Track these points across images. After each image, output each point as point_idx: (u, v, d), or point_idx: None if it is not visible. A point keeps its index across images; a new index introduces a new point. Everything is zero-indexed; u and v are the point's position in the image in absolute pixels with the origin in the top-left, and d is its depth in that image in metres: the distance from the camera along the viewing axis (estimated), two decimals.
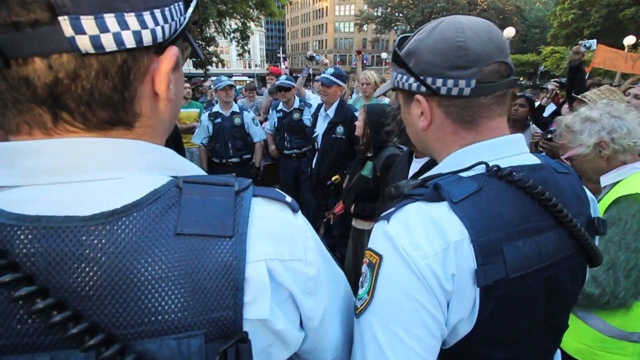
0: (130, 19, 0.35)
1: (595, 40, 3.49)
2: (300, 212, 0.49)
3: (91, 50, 0.33)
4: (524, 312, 0.60)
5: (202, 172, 0.47)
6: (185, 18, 0.42)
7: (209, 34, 18.27)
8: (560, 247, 0.61)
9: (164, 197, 0.38)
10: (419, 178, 0.66)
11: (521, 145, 0.66)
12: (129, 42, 0.35)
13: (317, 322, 0.49)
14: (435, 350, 0.57)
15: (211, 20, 15.07)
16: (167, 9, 0.39)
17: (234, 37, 17.96)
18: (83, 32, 0.33)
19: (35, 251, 0.33)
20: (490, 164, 0.60)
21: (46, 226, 0.34)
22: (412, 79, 0.66)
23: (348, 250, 2.56)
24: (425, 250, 0.54)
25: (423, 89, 0.65)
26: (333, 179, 2.91)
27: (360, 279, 0.62)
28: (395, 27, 45.59)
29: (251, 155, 3.83)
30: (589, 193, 0.72)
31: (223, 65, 23.32)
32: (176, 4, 0.41)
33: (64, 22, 0.32)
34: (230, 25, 17.08)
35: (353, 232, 2.49)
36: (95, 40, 0.33)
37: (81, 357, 0.34)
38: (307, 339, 0.50)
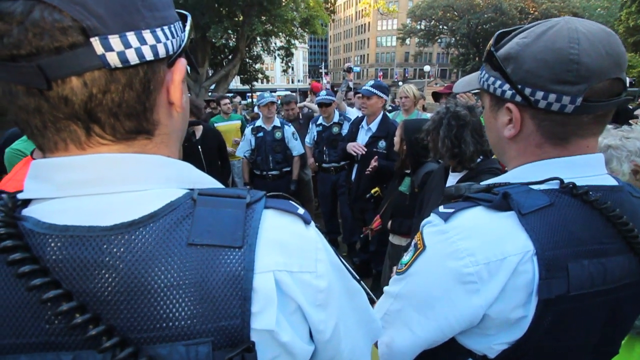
0: (147, 35, 0.39)
1: None
2: (312, 224, 0.48)
3: (119, 64, 0.37)
4: (579, 331, 0.58)
5: (219, 185, 0.48)
6: (185, 35, 0.46)
7: (255, 52, 19.24)
8: (628, 273, 0.58)
9: (179, 209, 0.40)
10: (483, 183, 0.64)
11: (600, 166, 0.62)
12: (148, 55, 0.39)
13: (329, 336, 0.47)
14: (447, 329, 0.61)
15: (258, 39, 15.85)
16: (172, 25, 0.43)
17: (278, 54, 18.73)
18: (111, 50, 0.36)
19: (63, 258, 0.36)
20: (566, 182, 0.57)
21: (73, 235, 0.37)
22: (507, 86, 0.60)
23: (385, 266, 2.48)
24: (478, 258, 0.55)
25: (518, 98, 0.59)
26: (373, 191, 2.85)
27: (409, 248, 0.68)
28: (439, 40, 44.79)
29: (291, 169, 3.91)
30: None
31: (267, 81, 24.30)
32: (177, 23, 0.45)
33: (95, 42, 0.36)
34: (275, 44, 17.87)
35: (390, 248, 2.41)
36: (121, 56, 0.37)
37: (99, 357, 0.35)
38: (319, 353, 0.49)
